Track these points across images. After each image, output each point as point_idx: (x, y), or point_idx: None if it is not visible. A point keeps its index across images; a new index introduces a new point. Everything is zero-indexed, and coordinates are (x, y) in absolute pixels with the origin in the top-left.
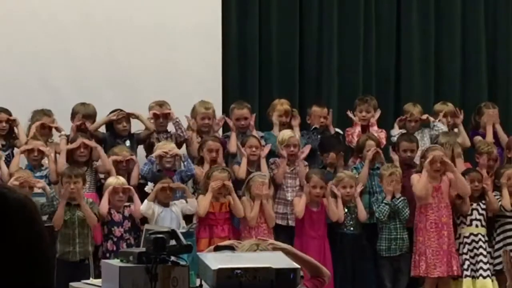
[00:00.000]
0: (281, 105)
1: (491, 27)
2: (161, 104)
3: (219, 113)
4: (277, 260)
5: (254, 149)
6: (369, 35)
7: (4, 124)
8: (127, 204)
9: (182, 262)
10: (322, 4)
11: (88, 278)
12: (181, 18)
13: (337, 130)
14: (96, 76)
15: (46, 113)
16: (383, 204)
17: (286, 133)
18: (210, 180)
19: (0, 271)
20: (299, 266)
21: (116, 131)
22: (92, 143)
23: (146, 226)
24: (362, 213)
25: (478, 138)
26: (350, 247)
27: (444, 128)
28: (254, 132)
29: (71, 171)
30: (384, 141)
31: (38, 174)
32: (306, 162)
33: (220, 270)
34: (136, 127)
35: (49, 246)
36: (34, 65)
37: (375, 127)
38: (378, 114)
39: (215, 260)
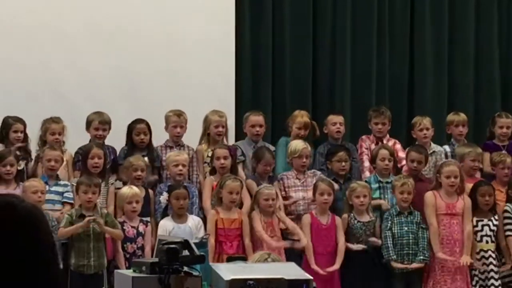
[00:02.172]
0: (301, 117)
1: (504, 36)
2: (179, 114)
3: (232, 122)
4: (290, 271)
5: (268, 167)
6: (382, 46)
7: (19, 134)
8: (144, 219)
9: (195, 273)
10: (336, 15)
11: None
12: (194, 27)
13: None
14: (109, 87)
15: (55, 120)
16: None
17: (299, 144)
18: (222, 189)
19: (4, 276)
20: (311, 277)
21: (134, 143)
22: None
23: (159, 237)
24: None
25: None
26: (359, 263)
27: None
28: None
29: (89, 180)
30: (400, 153)
31: (53, 188)
32: (319, 172)
33: (233, 281)
34: (157, 138)
35: (55, 254)
36: (46, 76)
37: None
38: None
39: (227, 271)
